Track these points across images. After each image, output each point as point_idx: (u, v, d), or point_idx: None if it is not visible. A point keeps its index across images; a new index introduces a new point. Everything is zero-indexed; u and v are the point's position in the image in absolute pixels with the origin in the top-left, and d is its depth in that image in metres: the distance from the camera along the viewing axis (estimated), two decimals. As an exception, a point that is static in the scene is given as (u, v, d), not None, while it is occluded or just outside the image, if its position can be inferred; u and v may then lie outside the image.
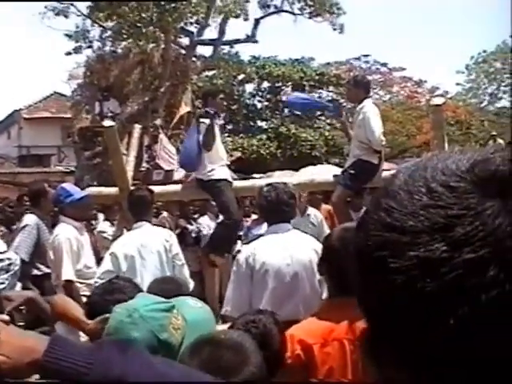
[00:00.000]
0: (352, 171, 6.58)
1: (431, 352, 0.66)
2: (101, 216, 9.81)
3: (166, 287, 3.17)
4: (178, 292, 3.17)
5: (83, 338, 2.66)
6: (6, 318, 1.18)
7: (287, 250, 4.06)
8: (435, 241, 0.66)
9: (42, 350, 1.10)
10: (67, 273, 5.59)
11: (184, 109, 17.00)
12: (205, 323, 2.16)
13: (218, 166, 6.75)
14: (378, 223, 0.70)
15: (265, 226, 10.27)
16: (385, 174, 6.44)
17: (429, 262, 0.65)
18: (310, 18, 21.62)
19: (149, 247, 5.49)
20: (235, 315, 3.78)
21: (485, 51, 34.98)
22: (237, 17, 18.98)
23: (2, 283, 3.73)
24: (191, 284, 5.61)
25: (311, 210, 9.26)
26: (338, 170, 13.19)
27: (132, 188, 6.33)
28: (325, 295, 3.86)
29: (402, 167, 0.77)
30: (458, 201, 0.67)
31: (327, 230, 8.57)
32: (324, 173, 13.08)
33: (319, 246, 4.08)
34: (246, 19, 19.20)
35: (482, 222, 0.65)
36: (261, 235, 9.77)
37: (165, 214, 10.45)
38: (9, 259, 4.11)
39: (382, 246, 0.69)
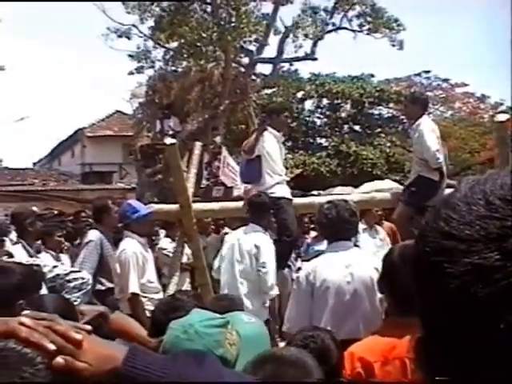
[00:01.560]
0: (413, 188, 6.51)
1: (480, 353, 0.69)
2: (162, 232, 9.92)
3: (221, 304, 3.20)
4: (232, 308, 3.20)
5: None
6: (89, 327, 1.22)
7: (348, 268, 4.04)
8: (489, 250, 0.69)
9: (121, 358, 1.15)
10: (133, 286, 5.72)
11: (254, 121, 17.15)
12: (259, 338, 2.16)
13: (277, 181, 6.77)
14: (437, 231, 0.74)
15: (325, 242, 10.27)
16: (447, 191, 6.33)
17: (482, 269, 0.68)
18: (368, 34, 21.50)
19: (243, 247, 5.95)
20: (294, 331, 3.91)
21: (549, 65, 34.18)
22: (306, 35, 19.06)
23: (75, 301, 3.82)
24: (274, 291, 5.83)
25: (378, 227, 9.20)
26: (397, 185, 13.13)
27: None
28: None
29: (464, 181, 0.79)
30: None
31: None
32: (384, 188, 13.02)
33: (380, 264, 4.07)
34: (306, 36, 19.22)
35: None
36: (321, 252, 9.77)
37: (227, 230, 10.50)
38: (82, 278, 4.21)
39: (439, 252, 0.72)
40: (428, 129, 6.38)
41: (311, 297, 4.02)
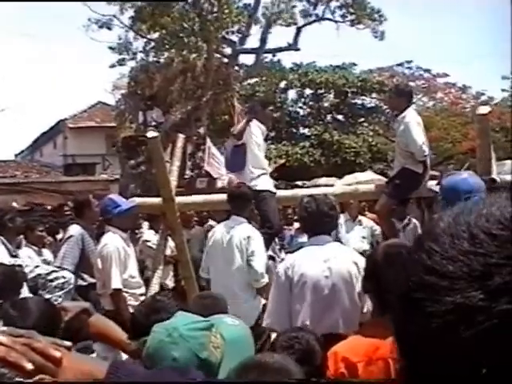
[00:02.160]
0: (397, 181, 6.52)
1: None
2: (145, 225, 9.89)
3: (204, 302, 3.20)
4: (215, 307, 3.19)
5: (123, 356, 2.67)
6: (68, 343, 1.20)
7: (326, 263, 4.05)
8: (473, 288, 0.65)
9: (100, 374, 1.14)
10: (116, 281, 5.70)
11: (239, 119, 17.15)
12: (243, 341, 2.16)
13: (261, 173, 6.76)
14: (419, 264, 0.70)
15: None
16: (430, 183, 6.35)
17: (465, 309, 0.65)
18: (352, 25, 21.49)
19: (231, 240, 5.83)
20: (276, 327, 3.96)
21: (531, 55, 34.35)
22: (287, 25, 18.99)
23: (56, 300, 3.81)
24: (265, 278, 5.77)
25: (361, 217, 9.25)
26: (378, 177, 13.17)
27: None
28: (365, 309, 3.88)
29: (448, 212, 0.76)
30: (499, 249, 0.66)
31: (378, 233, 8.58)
32: (365, 180, 13.08)
33: (360, 259, 4.11)
34: (288, 25, 19.15)
35: None
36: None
37: (211, 222, 10.47)
38: (64, 277, 4.20)
39: (421, 288, 0.69)
40: (414, 121, 6.38)
41: (290, 291, 4.03)
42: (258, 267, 5.73)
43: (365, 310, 3.93)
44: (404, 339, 0.72)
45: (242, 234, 5.84)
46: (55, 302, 3.56)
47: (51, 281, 4.06)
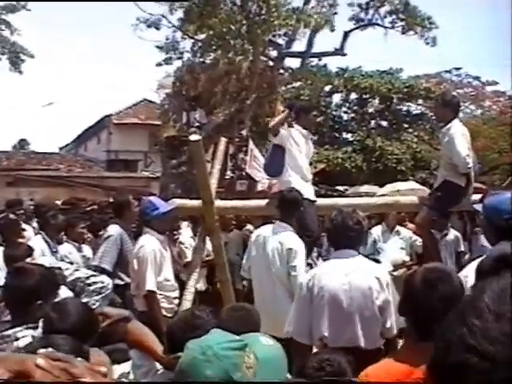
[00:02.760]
0: (438, 193, 6.43)
1: None
2: (184, 226, 9.90)
3: (237, 314, 3.18)
4: (248, 319, 3.16)
5: (158, 366, 2.66)
6: (104, 370, 1.19)
7: (347, 276, 4.09)
8: None
9: None
10: (150, 283, 5.72)
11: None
12: (276, 361, 2.13)
13: (301, 180, 6.72)
14: (460, 340, 0.68)
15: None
16: (474, 197, 6.24)
17: None
18: (402, 33, 21.21)
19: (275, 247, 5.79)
20: (295, 337, 4.11)
21: None
22: (332, 30, 18.85)
23: (93, 304, 3.84)
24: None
25: (400, 228, 9.14)
26: (421, 188, 13.01)
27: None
28: (389, 324, 3.97)
29: (494, 282, 0.72)
30: None
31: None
32: (407, 189, 12.90)
33: (383, 274, 4.19)
34: (332, 30, 19.01)
35: None
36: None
37: (249, 226, 10.47)
38: (102, 282, 4.23)
39: (461, 367, 0.66)
40: (459, 133, 6.28)
41: (310, 303, 4.10)
42: (299, 281, 5.68)
43: (388, 325, 3.98)
44: None
45: (287, 243, 5.78)
46: (93, 307, 3.59)
47: (89, 285, 4.09)
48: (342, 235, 4.23)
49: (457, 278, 2.59)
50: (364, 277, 4.09)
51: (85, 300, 3.73)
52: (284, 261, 5.75)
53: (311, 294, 4.09)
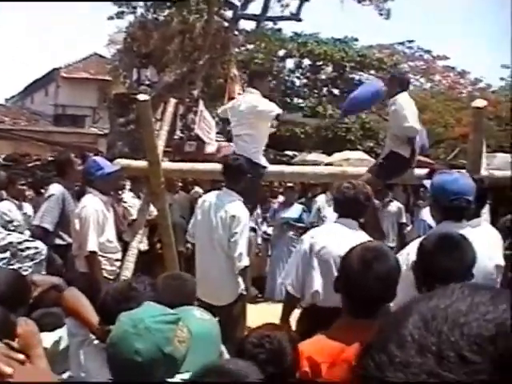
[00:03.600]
0: (384, 162, 6.48)
1: None
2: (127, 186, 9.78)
3: (173, 283, 3.15)
4: (184, 289, 3.14)
5: (92, 336, 2.62)
6: (22, 357, 1.14)
7: (347, 243, 4.13)
8: None
9: None
10: (92, 244, 5.64)
11: (235, 88, 16.98)
12: (210, 336, 2.12)
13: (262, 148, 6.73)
14: (378, 370, 0.61)
15: (293, 208, 10.33)
16: (418, 171, 6.30)
17: None
18: (358, 1, 21.18)
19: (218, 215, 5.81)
20: (289, 289, 4.32)
21: (533, 46, 34.19)
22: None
23: (26, 270, 3.74)
24: (243, 262, 5.73)
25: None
26: (369, 158, 13.14)
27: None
28: None
29: (421, 301, 0.65)
30: (468, 379, 0.56)
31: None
32: (355, 158, 12.98)
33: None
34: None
35: None
36: (287, 220, 9.79)
37: (197, 189, 10.42)
38: (36, 248, 4.12)
39: None
40: (407, 102, 6.31)
41: (310, 259, 4.26)
42: (238, 248, 5.70)
43: None
44: None
45: (231, 211, 5.78)
46: (25, 273, 3.50)
47: (22, 250, 3.98)
48: (352, 208, 4.40)
49: (393, 258, 2.61)
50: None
51: (16, 266, 3.65)
52: (226, 228, 5.75)
53: (311, 251, 4.26)
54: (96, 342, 2.55)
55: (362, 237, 4.26)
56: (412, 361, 0.59)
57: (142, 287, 2.55)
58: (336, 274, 3.97)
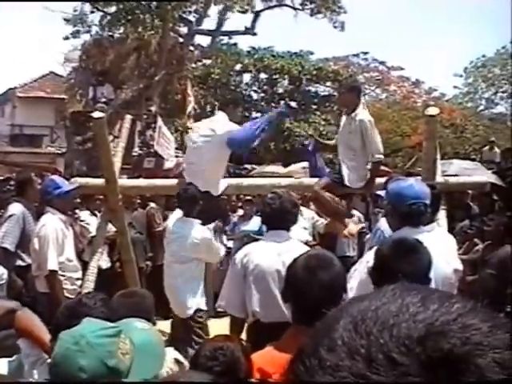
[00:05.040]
0: (338, 175, 6.45)
1: None
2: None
3: (130, 301, 3.14)
4: (141, 305, 3.13)
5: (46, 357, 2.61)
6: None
7: (280, 256, 4.14)
8: None
9: None
10: (52, 263, 5.58)
11: (190, 101, 16.92)
12: (153, 346, 2.12)
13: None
14: (309, 375, 0.61)
15: (253, 221, 10.34)
16: (379, 180, 6.34)
17: None
18: (311, 15, 21.42)
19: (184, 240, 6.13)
20: (229, 310, 4.28)
21: (484, 56, 34.88)
22: (243, 12, 18.78)
23: None
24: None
25: (303, 208, 9.29)
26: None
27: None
28: None
29: (353, 303, 0.66)
30: (397, 381, 0.57)
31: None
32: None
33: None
34: (245, 12, 18.98)
35: None
36: (248, 233, 9.78)
37: (152, 204, 10.37)
38: None
39: None
40: (371, 121, 6.31)
41: (244, 279, 4.19)
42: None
43: None
44: None
45: (192, 236, 6.06)
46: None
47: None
48: (279, 218, 4.30)
49: (338, 265, 2.61)
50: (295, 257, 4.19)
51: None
52: (189, 252, 6.05)
53: (245, 270, 4.18)
54: (49, 360, 2.55)
55: (293, 244, 4.31)
56: (341, 364, 0.59)
57: (92, 302, 2.55)
58: (275, 289, 4.04)
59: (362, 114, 6.33)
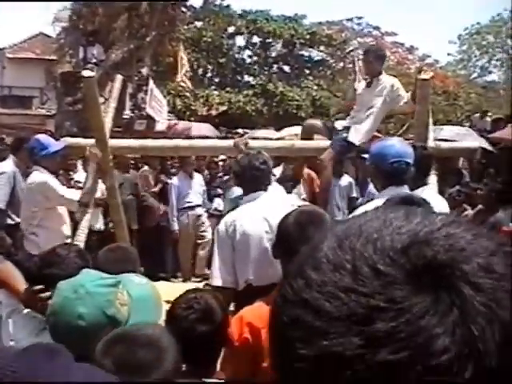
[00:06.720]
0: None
1: None
2: (79, 165, 9.66)
3: (114, 255, 3.14)
4: (125, 258, 3.14)
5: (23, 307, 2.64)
6: None
7: (265, 219, 4.10)
8: (351, 333, 0.57)
9: None
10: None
11: (184, 64, 16.79)
12: (150, 300, 2.14)
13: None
14: (295, 294, 0.62)
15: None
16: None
17: (339, 357, 0.56)
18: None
19: None
20: (222, 284, 4.03)
21: (478, 23, 34.70)
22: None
23: None
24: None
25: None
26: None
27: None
28: None
29: (336, 225, 0.67)
30: (383, 290, 0.58)
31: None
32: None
33: (296, 203, 4.20)
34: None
35: (405, 320, 0.56)
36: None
37: (146, 167, 10.34)
38: None
39: (294, 326, 0.60)
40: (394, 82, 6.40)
41: (232, 249, 4.10)
42: None
43: None
44: (278, 373, 0.65)
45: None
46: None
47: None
48: (250, 176, 4.26)
49: (328, 221, 2.62)
50: (281, 216, 4.12)
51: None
52: None
53: (233, 240, 4.08)
54: (25, 311, 2.58)
55: (272, 200, 4.27)
56: (327, 280, 0.60)
57: (65, 252, 2.57)
58: (263, 251, 3.96)
59: (388, 77, 6.39)
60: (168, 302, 2.47)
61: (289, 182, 7.23)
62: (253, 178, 4.27)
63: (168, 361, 1.77)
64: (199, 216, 9.65)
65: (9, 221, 6.21)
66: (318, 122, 7.50)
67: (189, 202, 9.57)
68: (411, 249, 0.60)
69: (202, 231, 9.70)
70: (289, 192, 5.78)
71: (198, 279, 8.90)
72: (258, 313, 2.52)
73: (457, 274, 0.58)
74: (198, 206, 9.67)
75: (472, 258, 0.59)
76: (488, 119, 16.21)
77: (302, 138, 7.06)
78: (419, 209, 0.67)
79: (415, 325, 0.56)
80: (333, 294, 0.59)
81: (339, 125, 6.84)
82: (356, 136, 6.29)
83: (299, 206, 3.67)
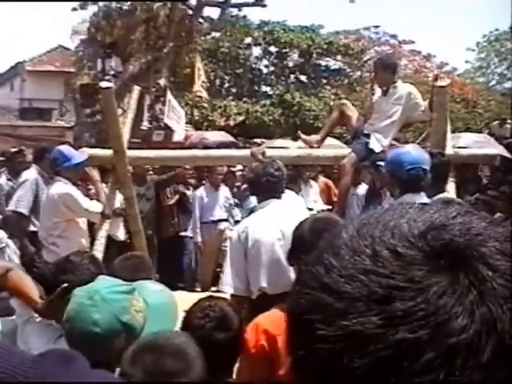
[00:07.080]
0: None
1: None
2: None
3: (129, 263, 3.16)
4: (141, 267, 3.16)
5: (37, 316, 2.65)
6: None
7: (278, 226, 4.10)
8: (370, 312, 0.58)
9: None
10: None
11: (201, 75, 16.81)
12: (166, 307, 2.14)
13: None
14: (315, 280, 0.63)
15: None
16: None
17: (359, 335, 0.58)
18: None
19: None
20: (235, 292, 4.05)
21: (497, 30, 34.44)
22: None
23: None
24: None
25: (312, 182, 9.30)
26: (337, 143, 13.17)
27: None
28: None
29: (355, 220, 0.68)
30: (403, 271, 0.59)
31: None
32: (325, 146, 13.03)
33: (317, 207, 4.20)
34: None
35: (424, 299, 0.58)
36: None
37: (153, 176, 10.34)
38: None
39: (314, 308, 0.62)
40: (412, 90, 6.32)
41: (245, 257, 4.09)
42: None
43: None
44: (294, 362, 0.66)
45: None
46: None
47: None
48: (264, 183, 4.26)
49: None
50: (293, 224, 4.10)
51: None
52: None
53: (245, 248, 4.09)
54: (39, 319, 2.58)
55: (285, 208, 4.27)
56: (347, 264, 0.62)
57: (78, 259, 2.59)
58: (280, 260, 3.95)
59: (404, 85, 6.31)
60: (185, 311, 2.47)
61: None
62: (267, 185, 4.28)
63: (196, 370, 1.78)
64: (223, 231, 9.51)
65: (32, 227, 6.28)
66: None
67: (212, 216, 9.40)
68: (429, 233, 0.62)
69: (226, 246, 9.63)
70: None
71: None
72: (273, 320, 2.51)
73: (475, 255, 0.60)
74: (222, 220, 9.53)
75: (488, 241, 0.61)
76: (508, 126, 16.07)
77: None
78: (435, 204, 0.69)
79: (434, 304, 0.57)
80: (353, 276, 0.61)
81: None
82: (377, 144, 6.25)
83: (318, 212, 3.69)
